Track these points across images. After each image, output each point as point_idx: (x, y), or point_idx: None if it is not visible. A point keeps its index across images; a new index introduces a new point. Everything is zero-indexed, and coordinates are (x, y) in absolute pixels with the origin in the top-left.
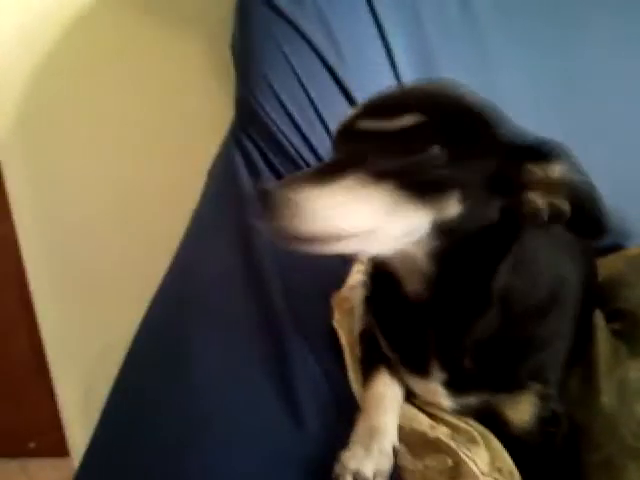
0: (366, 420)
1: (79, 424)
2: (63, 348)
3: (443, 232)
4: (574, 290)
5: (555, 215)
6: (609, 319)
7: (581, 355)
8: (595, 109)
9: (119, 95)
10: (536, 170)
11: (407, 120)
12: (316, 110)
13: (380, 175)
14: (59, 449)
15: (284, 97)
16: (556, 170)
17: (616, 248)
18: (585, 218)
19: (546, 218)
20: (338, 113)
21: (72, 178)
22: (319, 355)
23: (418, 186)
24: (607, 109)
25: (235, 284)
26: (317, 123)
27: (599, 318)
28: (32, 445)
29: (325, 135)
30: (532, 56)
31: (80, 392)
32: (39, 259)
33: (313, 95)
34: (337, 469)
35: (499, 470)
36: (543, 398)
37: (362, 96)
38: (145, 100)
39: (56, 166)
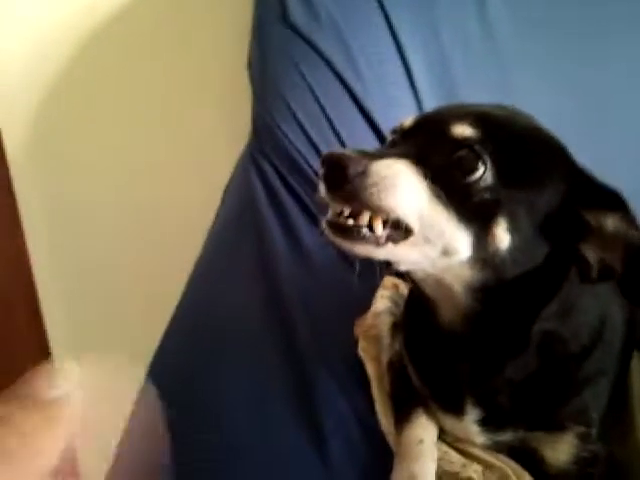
0: (404, 468)
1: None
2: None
3: (485, 264)
4: (619, 329)
5: (605, 273)
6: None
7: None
8: (618, 125)
9: (136, 113)
10: (591, 219)
11: (460, 130)
12: (334, 130)
13: (424, 172)
14: None
15: (301, 116)
16: (612, 223)
17: None
18: (636, 281)
19: (595, 275)
20: (356, 133)
21: (86, 195)
22: (345, 388)
23: (460, 201)
24: (630, 124)
25: (257, 315)
26: (335, 143)
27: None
28: None
29: None
30: (553, 74)
31: None
32: (50, 278)
33: (331, 115)
34: None
35: None
36: (583, 439)
37: (381, 116)
38: (162, 117)
39: (70, 183)
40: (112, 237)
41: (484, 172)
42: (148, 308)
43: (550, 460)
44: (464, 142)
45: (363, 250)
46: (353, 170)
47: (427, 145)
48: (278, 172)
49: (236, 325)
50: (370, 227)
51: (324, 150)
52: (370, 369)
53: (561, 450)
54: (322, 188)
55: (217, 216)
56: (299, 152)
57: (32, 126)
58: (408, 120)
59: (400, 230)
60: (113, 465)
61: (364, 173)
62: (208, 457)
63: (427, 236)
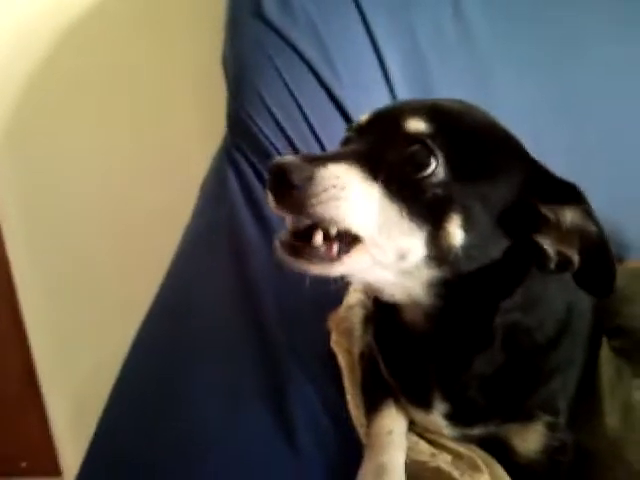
0: (372, 458)
1: (71, 443)
2: (54, 368)
3: (441, 262)
4: (586, 317)
5: (563, 265)
6: (609, 336)
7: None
8: (593, 127)
9: (111, 108)
10: (548, 213)
11: (413, 125)
12: (309, 124)
13: (376, 173)
14: (51, 468)
15: (276, 111)
16: (569, 216)
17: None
18: (593, 273)
19: (553, 267)
20: (332, 127)
21: (63, 195)
22: (317, 380)
23: (413, 199)
24: (605, 127)
25: (230, 309)
26: (310, 137)
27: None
28: (24, 464)
29: (317, 147)
30: (529, 73)
31: (72, 411)
32: (30, 278)
33: (306, 110)
34: None
35: None
36: (552, 428)
37: (356, 111)
38: (136, 114)
39: (48, 184)
40: (89, 230)
41: (436, 167)
42: (126, 301)
43: (519, 449)
44: (416, 137)
45: (317, 269)
46: (297, 177)
47: (381, 141)
48: (253, 167)
49: (209, 319)
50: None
51: (299, 144)
52: (342, 361)
53: (530, 440)
54: (270, 198)
55: (194, 211)
56: (274, 147)
57: (9, 120)
58: (363, 116)
59: (349, 238)
60: None
61: (310, 180)
62: (178, 446)
63: (378, 241)
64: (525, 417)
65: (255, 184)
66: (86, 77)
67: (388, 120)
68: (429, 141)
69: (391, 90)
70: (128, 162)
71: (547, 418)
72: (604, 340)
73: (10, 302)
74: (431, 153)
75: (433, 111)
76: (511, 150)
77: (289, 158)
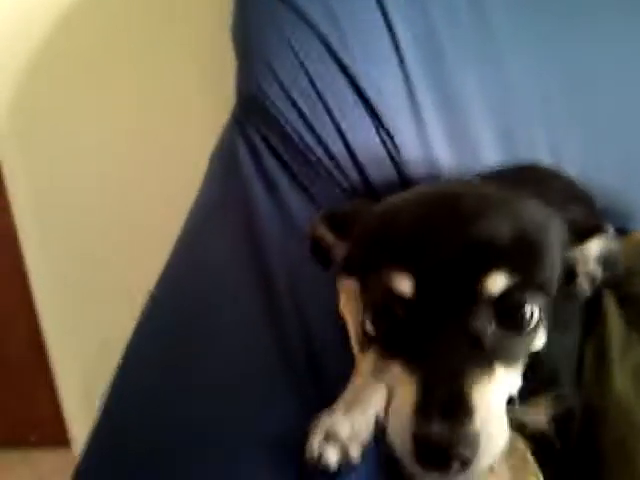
0: (354, 389)
1: (80, 415)
2: (63, 339)
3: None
4: None
5: (592, 284)
6: (619, 303)
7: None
8: (606, 103)
9: (115, 85)
10: (577, 255)
11: (496, 285)
12: (320, 97)
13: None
14: (60, 440)
15: (287, 83)
16: (594, 249)
17: (621, 232)
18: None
19: (587, 292)
20: (343, 100)
21: (71, 170)
22: (325, 344)
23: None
24: (616, 102)
25: (240, 276)
26: (321, 109)
27: (610, 303)
28: (33, 436)
29: (329, 121)
30: (540, 47)
31: (81, 383)
32: (39, 252)
33: (317, 82)
34: (312, 424)
35: (513, 455)
36: (558, 399)
37: (367, 83)
38: (142, 88)
39: (55, 159)
40: (97, 214)
41: (531, 313)
42: (137, 273)
43: (529, 425)
44: (505, 297)
45: None
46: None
47: (459, 324)
48: (264, 138)
49: (220, 284)
50: None
51: (311, 118)
52: (350, 324)
53: (537, 413)
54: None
55: (202, 185)
56: (285, 119)
57: (14, 97)
58: (403, 284)
59: None
60: None
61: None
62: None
63: None
64: (531, 394)
65: (267, 156)
66: (89, 58)
67: (454, 284)
68: (520, 294)
69: (402, 62)
70: (133, 137)
71: (552, 390)
72: (614, 307)
73: (19, 274)
74: (524, 303)
75: (496, 247)
76: (553, 235)
77: (437, 433)
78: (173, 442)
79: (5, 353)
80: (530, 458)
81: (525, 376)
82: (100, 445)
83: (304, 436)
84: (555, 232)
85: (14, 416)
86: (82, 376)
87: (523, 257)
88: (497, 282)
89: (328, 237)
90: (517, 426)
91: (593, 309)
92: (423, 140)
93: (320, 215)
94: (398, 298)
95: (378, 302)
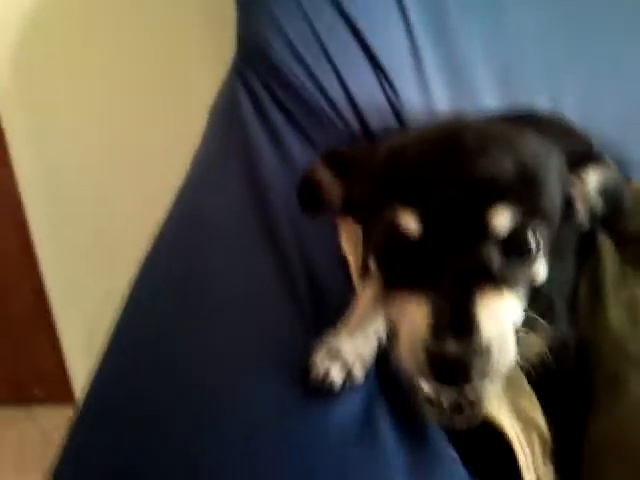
0: (356, 315)
1: (84, 370)
2: (66, 294)
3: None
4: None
5: (592, 216)
6: (618, 246)
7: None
8: (604, 56)
9: (115, 38)
10: (576, 182)
11: (501, 221)
12: (323, 46)
13: (506, 287)
14: (64, 395)
15: (290, 33)
16: (593, 178)
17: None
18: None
19: (588, 225)
20: (345, 49)
21: (71, 123)
22: (327, 281)
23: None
24: (615, 47)
25: (243, 220)
26: (323, 59)
27: (605, 241)
28: (37, 391)
29: (331, 70)
30: (543, 8)
31: (84, 338)
32: (39, 205)
33: (320, 31)
34: (316, 344)
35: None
36: (552, 332)
37: (369, 31)
38: (142, 39)
39: (55, 112)
40: (98, 166)
41: (537, 244)
42: (138, 226)
43: (526, 358)
44: (512, 233)
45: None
46: (475, 371)
47: (467, 256)
48: (265, 85)
49: (223, 229)
50: None
51: (314, 67)
52: (351, 259)
53: (534, 346)
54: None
55: (203, 135)
56: (287, 65)
57: (13, 62)
58: (410, 222)
59: None
60: None
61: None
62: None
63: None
64: (526, 324)
65: (270, 105)
66: (88, 8)
67: (461, 219)
68: (524, 230)
69: (404, 12)
70: (133, 89)
71: (547, 324)
72: (610, 245)
73: (21, 228)
74: (529, 234)
75: (504, 183)
76: (553, 167)
77: (451, 348)
78: (181, 379)
79: (8, 309)
80: (525, 382)
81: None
82: (102, 386)
83: (308, 356)
84: (555, 164)
85: (17, 372)
86: (85, 331)
87: (526, 189)
88: (503, 215)
89: (326, 177)
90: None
91: (588, 246)
92: (423, 88)
93: (320, 154)
94: (404, 236)
95: (383, 241)
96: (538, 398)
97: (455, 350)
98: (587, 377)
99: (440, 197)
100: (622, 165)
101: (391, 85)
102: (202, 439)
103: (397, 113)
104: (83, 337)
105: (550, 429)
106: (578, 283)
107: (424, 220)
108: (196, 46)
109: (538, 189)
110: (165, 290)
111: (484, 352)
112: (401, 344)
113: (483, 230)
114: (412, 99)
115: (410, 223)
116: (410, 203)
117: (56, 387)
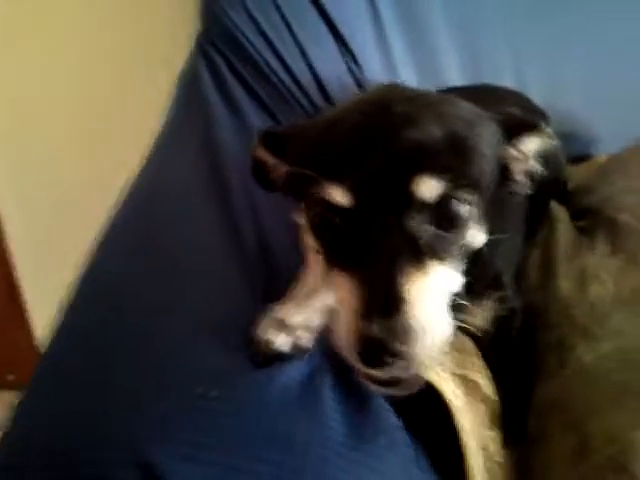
0: (305, 286)
1: None
2: (37, 279)
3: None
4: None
5: (530, 179)
6: (575, 218)
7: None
8: (567, 33)
9: (81, 15)
10: (513, 153)
11: (428, 191)
12: (285, 21)
13: (437, 259)
14: None
15: (252, 8)
16: (529, 146)
17: (586, 157)
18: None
19: (529, 191)
20: (308, 23)
21: (37, 99)
22: (283, 252)
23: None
24: (579, 32)
25: (200, 193)
26: (286, 33)
27: (561, 213)
28: (11, 377)
29: (294, 46)
30: None
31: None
32: (7, 187)
33: (282, 5)
34: (264, 313)
35: (458, 350)
36: (500, 301)
37: (333, 7)
38: (107, 16)
39: (19, 87)
40: (64, 142)
41: (468, 214)
42: (103, 213)
43: (473, 326)
44: (440, 201)
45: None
46: (397, 347)
47: (399, 227)
48: (227, 61)
49: (180, 200)
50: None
51: (276, 41)
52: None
53: (482, 316)
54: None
55: (168, 109)
56: (249, 41)
57: None
58: (340, 196)
59: None
60: None
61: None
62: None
63: None
64: (474, 297)
65: (231, 80)
66: None
67: (388, 189)
68: (452, 194)
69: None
70: (97, 63)
71: (496, 294)
72: (565, 216)
73: None
74: (457, 202)
75: (431, 152)
76: (484, 133)
77: (374, 331)
78: (130, 332)
79: None
80: (477, 356)
81: (470, 280)
82: (59, 341)
83: (256, 324)
84: (486, 130)
85: None
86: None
87: (453, 157)
88: (428, 184)
89: (267, 157)
90: (464, 329)
91: (541, 216)
92: (389, 64)
93: (258, 136)
94: (335, 209)
95: (317, 216)
96: (486, 365)
97: (378, 332)
98: (534, 344)
99: (367, 169)
100: (586, 141)
101: (356, 61)
102: (146, 401)
103: (361, 88)
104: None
105: (498, 395)
106: (528, 255)
107: (354, 193)
108: (160, 24)
109: (467, 157)
110: (121, 257)
111: (409, 332)
112: (336, 323)
113: (409, 200)
114: (377, 74)
115: (340, 197)
116: (339, 177)
117: (30, 372)
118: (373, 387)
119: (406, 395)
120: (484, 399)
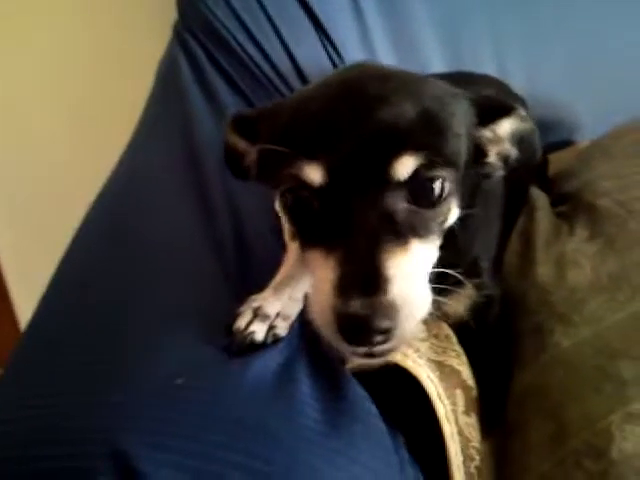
0: (283, 274)
1: None
2: (22, 269)
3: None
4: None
5: (505, 162)
6: (555, 204)
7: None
8: (548, 14)
9: (59, 4)
10: (487, 134)
11: (404, 168)
12: (264, 9)
13: (414, 236)
14: None
15: None
16: (503, 128)
17: (568, 143)
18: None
19: (503, 172)
20: (286, 11)
21: (19, 94)
22: (265, 242)
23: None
24: (559, 14)
25: (177, 180)
26: (265, 21)
27: (541, 200)
28: None
29: (272, 33)
30: None
31: None
32: None
33: None
34: (240, 301)
35: (435, 336)
36: (478, 288)
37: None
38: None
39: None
40: (47, 136)
41: (442, 186)
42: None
43: (449, 312)
44: (416, 178)
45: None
46: (380, 323)
47: (372, 204)
48: (205, 49)
49: (158, 187)
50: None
51: (253, 28)
52: (282, 219)
53: (459, 302)
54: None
55: (148, 98)
56: (227, 29)
57: None
58: (314, 174)
59: None
60: None
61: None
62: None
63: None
64: (454, 285)
65: (209, 69)
66: None
67: (363, 168)
68: (428, 171)
69: None
70: (77, 54)
71: (473, 281)
72: (545, 203)
73: None
74: (433, 179)
75: (406, 131)
76: (457, 111)
77: (356, 309)
78: (101, 322)
79: None
80: (454, 340)
81: (447, 266)
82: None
83: (231, 313)
84: (460, 109)
85: None
86: None
87: (428, 135)
88: (406, 164)
89: (238, 142)
90: (441, 315)
91: (521, 202)
92: (369, 51)
93: (228, 121)
94: (309, 188)
95: (290, 195)
96: (464, 351)
97: (359, 309)
98: (512, 330)
99: (342, 147)
100: (568, 128)
101: (335, 48)
102: (118, 390)
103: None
104: None
105: (476, 381)
106: (507, 238)
107: (328, 172)
108: (140, 13)
109: (441, 134)
110: (97, 243)
111: (389, 306)
112: (313, 303)
113: (386, 179)
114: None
115: (313, 174)
116: (313, 154)
117: None
118: (353, 358)
119: (382, 381)
120: (461, 385)
